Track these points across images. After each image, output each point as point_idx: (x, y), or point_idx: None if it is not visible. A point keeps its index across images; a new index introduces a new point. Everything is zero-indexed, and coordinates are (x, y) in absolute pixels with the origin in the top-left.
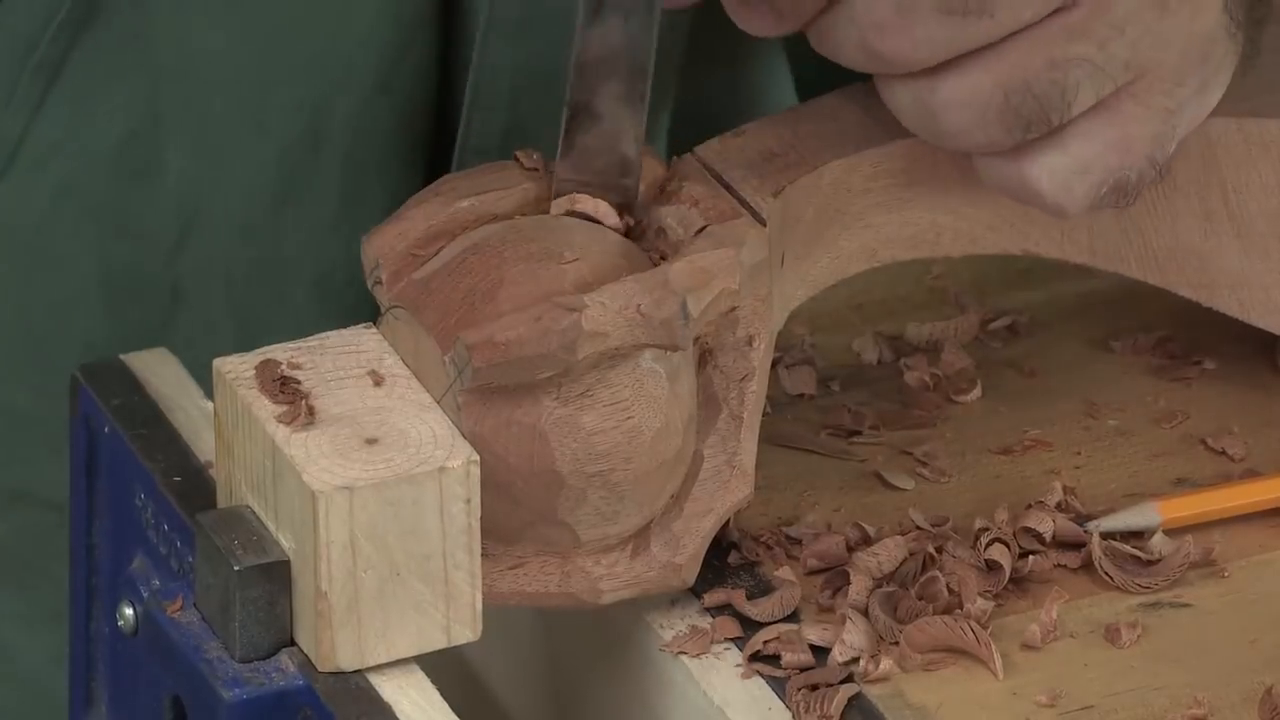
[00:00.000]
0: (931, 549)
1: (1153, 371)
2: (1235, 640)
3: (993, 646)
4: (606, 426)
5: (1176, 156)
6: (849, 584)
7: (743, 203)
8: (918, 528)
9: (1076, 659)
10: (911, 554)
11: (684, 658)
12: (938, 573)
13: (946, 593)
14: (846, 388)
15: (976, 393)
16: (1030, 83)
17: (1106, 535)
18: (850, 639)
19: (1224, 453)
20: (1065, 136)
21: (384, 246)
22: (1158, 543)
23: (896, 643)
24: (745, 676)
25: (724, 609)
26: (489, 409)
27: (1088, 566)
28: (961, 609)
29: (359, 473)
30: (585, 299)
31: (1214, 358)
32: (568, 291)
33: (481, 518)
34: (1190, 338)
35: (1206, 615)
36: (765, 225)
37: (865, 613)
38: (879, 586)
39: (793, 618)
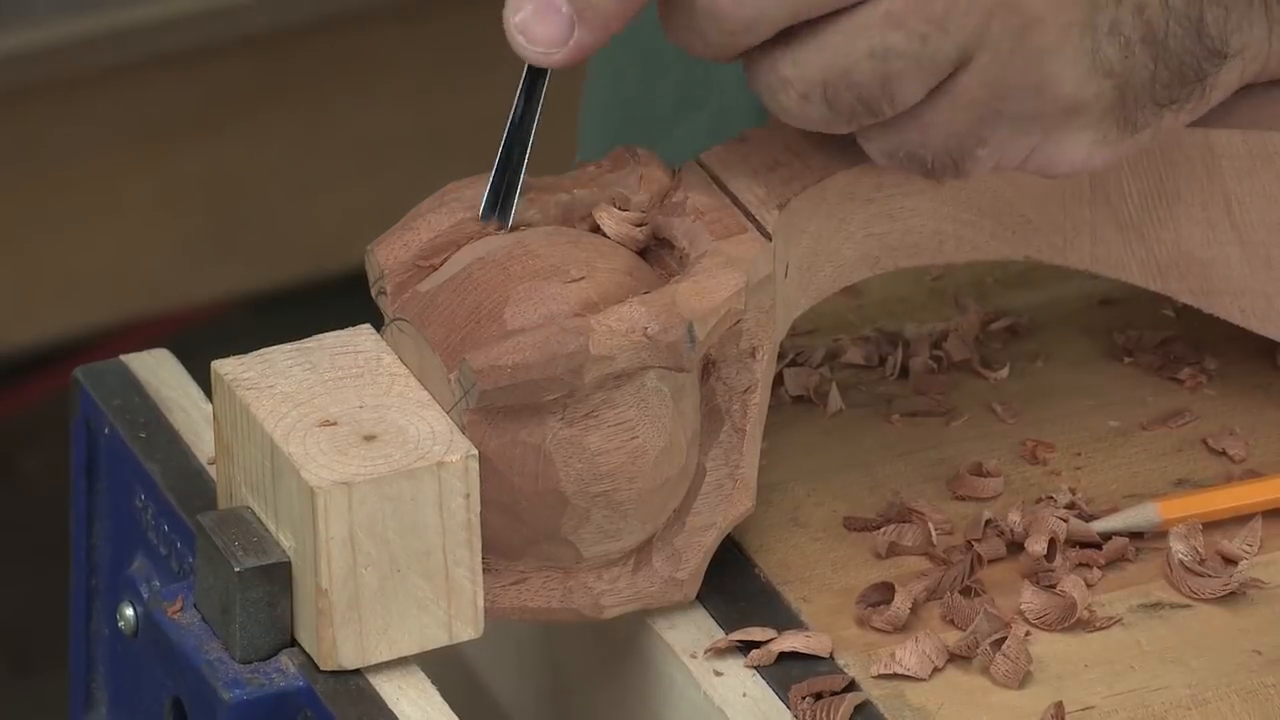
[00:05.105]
0: (965, 570)
1: (1153, 372)
2: (1235, 640)
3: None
4: (611, 447)
5: (981, 169)
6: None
7: (748, 215)
8: (930, 547)
9: (1076, 659)
10: (945, 561)
11: (685, 659)
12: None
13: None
14: (847, 387)
15: (1004, 372)
16: (850, 71)
17: (1106, 535)
18: (905, 659)
19: (1225, 453)
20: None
21: (389, 257)
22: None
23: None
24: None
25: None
26: (494, 429)
27: (1089, 567)
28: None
29: (357, 469)
30: (592, 322)
31: (1215, 358)
32: (573, 311)
33: (485, 534)
34: (1191, 338)
35: (1206, 615)
36: (770, 239)
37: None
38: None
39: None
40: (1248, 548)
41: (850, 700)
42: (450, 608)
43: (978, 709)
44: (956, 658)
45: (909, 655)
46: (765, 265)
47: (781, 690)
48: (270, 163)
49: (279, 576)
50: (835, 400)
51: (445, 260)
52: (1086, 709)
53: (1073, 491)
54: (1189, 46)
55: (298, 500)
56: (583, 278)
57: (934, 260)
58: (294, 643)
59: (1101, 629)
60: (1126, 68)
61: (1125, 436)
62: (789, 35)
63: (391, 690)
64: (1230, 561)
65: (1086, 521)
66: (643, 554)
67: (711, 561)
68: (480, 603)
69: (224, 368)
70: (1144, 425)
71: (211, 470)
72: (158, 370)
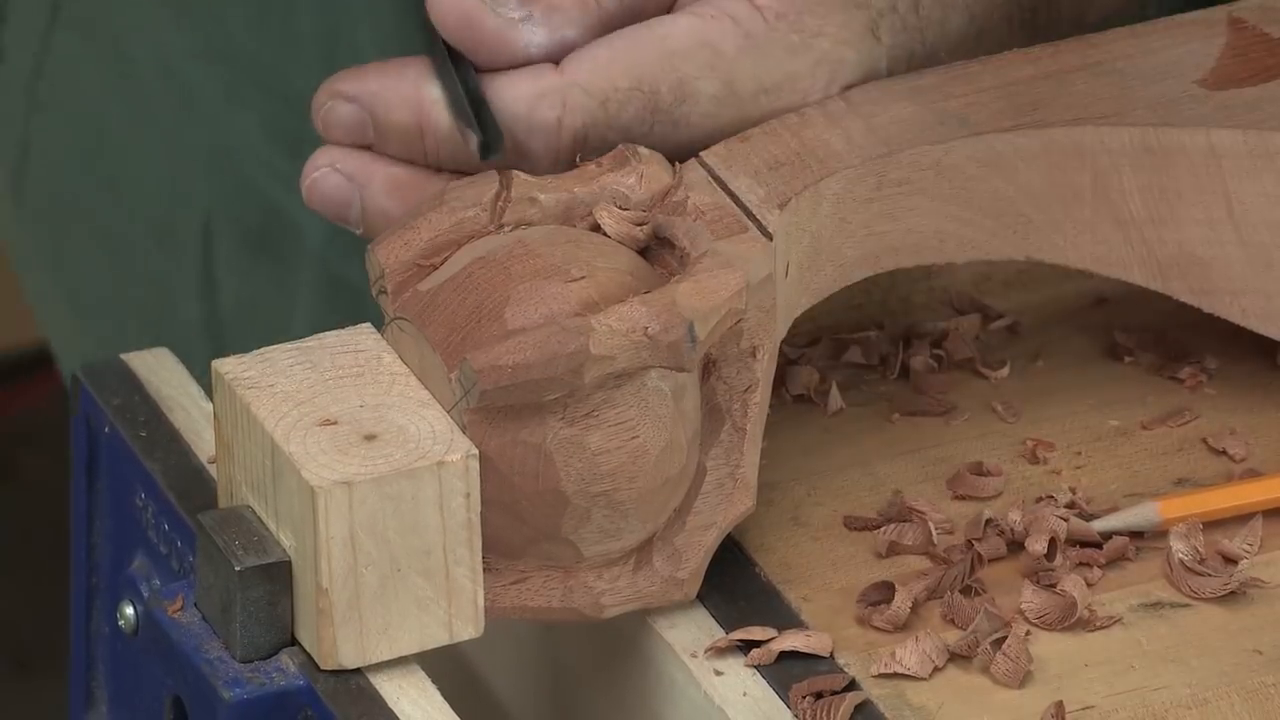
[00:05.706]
0: (965, 570)
1: (1153, 371)
2: (1235, 640)
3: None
4: (612, 446)
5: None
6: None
7: (748, 214)
8: (931, 546)
9: (1076, 659)
10: (945, 560)
11: (686, 658)
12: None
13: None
14: (847, 387)
15: (1004, 372)
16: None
17: (1106, 534)
18: (905, 658)
19: (1225, 452)
20: None
21: (389, 256)
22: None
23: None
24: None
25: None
26: (494, 428)
27: (1089, 566)
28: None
29: (358, 468)
30: (593, 322)
31: (1215, 357)
32: (574, 311)
33: (485, 534)
34: (1191, 337)
35: (1207, 615)
36: (771, 239)
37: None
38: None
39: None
40: (1248, 547)
41: (850, 699)
42: (450, 607)
43: (978, 708)
44: (957, 657)
45: (909, 655)
46: (766, 265)
47: (782, 689)
48: None
49: (279, 576)
50: (835, 400)
51: (446, 259)
52: (1086, 708)
53: (1073, 491)
54: None
55: (298, 499)
56: (583, 277)
57: (936, 259)
58: (294, 642)
59: (1102, 628)
60: None
61: (1125, 436)
62: None
63: (392, 689)
64: (1230, 561)
65: (1087, 521)
66: (643, 553)
67: (712, 561)
68: (480, 602)
69: (224, 366)
70: (1144, 424)
71: (212, 469)
72: (158, 369)
